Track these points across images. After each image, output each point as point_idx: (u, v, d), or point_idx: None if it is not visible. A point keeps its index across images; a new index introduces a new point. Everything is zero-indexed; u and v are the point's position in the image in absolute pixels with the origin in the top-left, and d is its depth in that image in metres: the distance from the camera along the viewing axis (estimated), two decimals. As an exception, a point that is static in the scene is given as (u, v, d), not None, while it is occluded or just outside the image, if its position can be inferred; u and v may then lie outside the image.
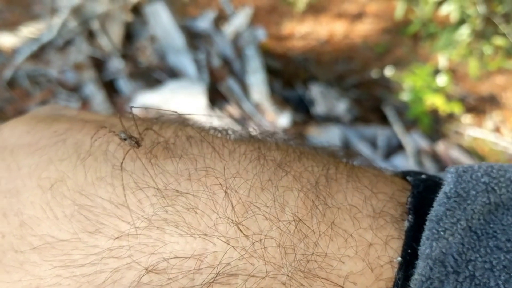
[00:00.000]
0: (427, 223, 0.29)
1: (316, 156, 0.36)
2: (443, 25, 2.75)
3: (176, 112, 0.41)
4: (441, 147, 2.49)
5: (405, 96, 2.60)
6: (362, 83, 3.02)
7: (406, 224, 0.30)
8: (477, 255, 0.27)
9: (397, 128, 2.48)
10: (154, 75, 2.27)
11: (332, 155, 0.37)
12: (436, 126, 2.69)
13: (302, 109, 2.41)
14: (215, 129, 0.38)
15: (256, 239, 0.30)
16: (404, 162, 2.34)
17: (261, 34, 2.59)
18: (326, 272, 0.29)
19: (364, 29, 3.37)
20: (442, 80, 2.58)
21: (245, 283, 0.30)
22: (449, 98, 2.66)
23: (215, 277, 0.30)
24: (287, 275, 0.29)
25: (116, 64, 2.30)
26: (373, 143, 2.40)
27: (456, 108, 2.56)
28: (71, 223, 0.32)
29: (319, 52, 3.23)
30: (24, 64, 2.33)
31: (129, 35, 2.45)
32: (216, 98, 2.17)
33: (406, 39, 3.32)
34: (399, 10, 2.82)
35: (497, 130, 2.68)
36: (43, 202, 0.33)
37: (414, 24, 2.82)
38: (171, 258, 0.30)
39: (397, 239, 0.30)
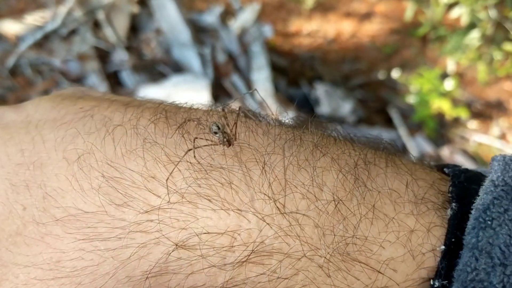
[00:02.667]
0: (473, 211, 0.27)
1: (352, 142, 0.35)
2: (453, 28, 2.71)
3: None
4: (445, 152, 2.46)
5: (411, 99, 2.56)
6: (368, 83, 2.99)
7: (449, 212, 0.29)
8: None
9: (402, 131, 2.45)
10: (158, 68, 2.24)
11: (367, 143, 0.36)
12: (441, 130, 2.65)
13: (306, 108, 2.38)
14: (245, 113, 0.37)
15: (293, 218, 0.29)
16: (408, 166, 2.30)
17: (267, 30, 2.56)
18: (366, 257, 0.28)
19: (372, 29, 3.33)
20: (449, 84, 2.54)
21: (280, 264, 0.28)
22: (455, 102, 2.62)
23: (249, 255, 0.28)
24: (325, 257, 0.28)
25: (120, 56, 2.27)
26: (377, 146, 2.37)
27: (463, 113, 2.52)
28: (98, 195, 0.31)
29: (325, 50, 3.19)
30: (28, 52, 2.30)
31: (135, 27, 2.43)
32: (220, 94, 2.15)
33: (414, 41, 3.28)
34: (409, 11, 2.78)
35: (503, 137, 2.64)
36: (68, 174, 0.32)
37: (424, 26, 2.79)
38: (203, 234, 0.29)
39: (440, 227, 0.29)
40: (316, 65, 3.00)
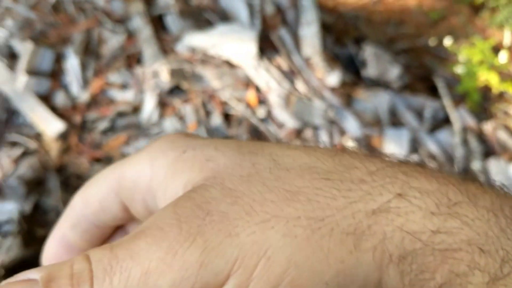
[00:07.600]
0: None
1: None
2: (511, -2, 2.57)
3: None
4: (488, 126, 2.39)
5: (459, 69, 2.47)
6: (412, 49, 2.88)
7: None
8: None
9: (446, 101, 2.38)
10: (205, 15, 2.17)
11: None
12: (484, 104, 2.57)
13: (351, 69, 2.31)
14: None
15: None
16: (449, 138, 2.25)
17: (317, -16, 2.46)
18: None
19: (419, -8, 3.19)
20: (504, 57, 2.44)
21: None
22: (503, 76, 2.52)
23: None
24: None
25: (165, -1, 2.21)
26: (419, 114, 2.31)
27: (510, 88, 2.43)
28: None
29: (370, 11, 3.07)
30: (72, -12, 2.25)
31: (180, -30, 2.34)
32: (266, 47, 2.08)
33: (463, 7, 3.13)
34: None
35: (548, 116, 2.55)
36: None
37: (479, -7, 2.65)
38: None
39: None
40: (360, 25, 2.89)
